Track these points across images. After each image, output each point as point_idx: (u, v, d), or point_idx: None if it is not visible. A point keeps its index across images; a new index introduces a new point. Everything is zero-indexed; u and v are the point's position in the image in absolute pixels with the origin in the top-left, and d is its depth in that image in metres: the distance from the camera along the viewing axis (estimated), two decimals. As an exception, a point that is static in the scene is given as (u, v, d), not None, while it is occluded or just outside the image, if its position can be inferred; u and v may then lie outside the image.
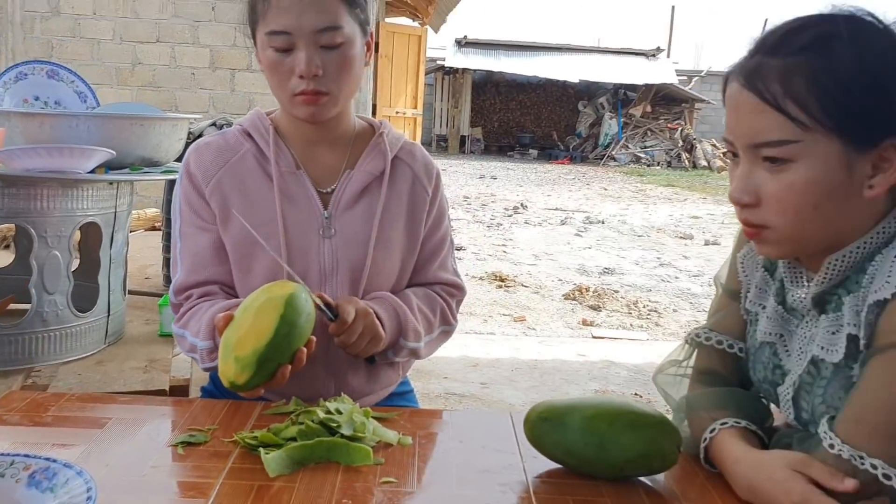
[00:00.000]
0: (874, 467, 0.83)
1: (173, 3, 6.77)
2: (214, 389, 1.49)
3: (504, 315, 4.85)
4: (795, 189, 0.87)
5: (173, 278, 1.40)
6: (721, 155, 17.57)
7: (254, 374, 1.08)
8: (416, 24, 12.42)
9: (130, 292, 2.74)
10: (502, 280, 5.73)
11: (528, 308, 5.03)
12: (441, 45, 19.13)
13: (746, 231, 0.95)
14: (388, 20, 11.48)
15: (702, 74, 20.36)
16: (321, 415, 1.10)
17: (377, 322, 1.29)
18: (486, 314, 4.84)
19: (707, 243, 7.89)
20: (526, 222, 8.74)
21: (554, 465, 1.04)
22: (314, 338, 1.16)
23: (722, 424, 1.00)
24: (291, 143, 1.41)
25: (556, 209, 9.90)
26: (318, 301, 1.22)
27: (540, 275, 6.04)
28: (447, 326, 1.49)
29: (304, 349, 1.14)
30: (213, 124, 3.26)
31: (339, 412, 1.11)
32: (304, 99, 1.30)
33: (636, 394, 3.49)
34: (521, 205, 10.01)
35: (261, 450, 1.01)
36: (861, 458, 0.84)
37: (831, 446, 0.86)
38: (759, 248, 0.96)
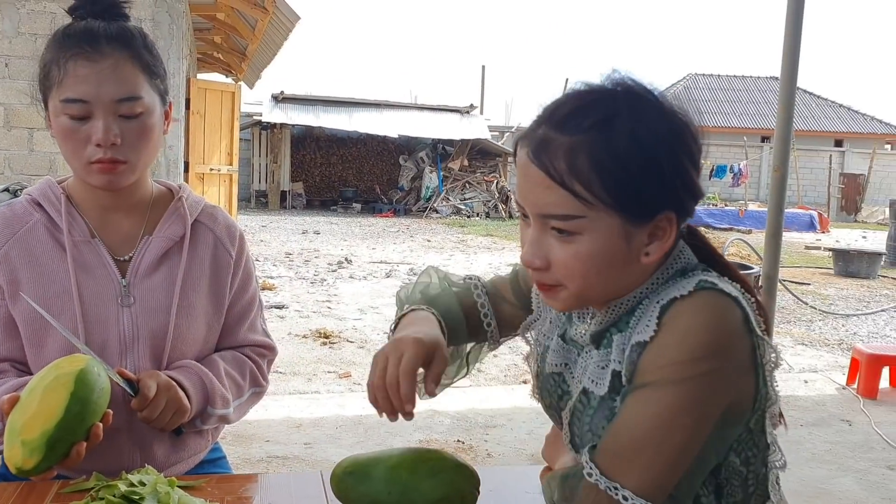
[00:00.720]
0: (625, 498, 0.89)
1: (-40, 57, 6.31)
2: (6, 472, 1.39)
3: (329, 372, 4.82)
4: (581, 258, 0.93)
5: None
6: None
7: (43, 457, 1.04)
8: (229, 79, 12.27)
9: None
10: (327, 336, 5.70)
11: (353, 363, 5.03)
12: (257, 101, 18.96)
13: (540, 288, 1.00)
14: (200, 76, 11.26)
15: (512, 130, 21.48)
16: (123, 488, 1.06)
17: (181, 394, 1.28)
18: (311, 372, 4.79)
19: (524, 289, 8.23)
20: (351, 276, 8.77)
21: (361, 519, 1.07)
22: (110, 411, 1.13)
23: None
24: (85, 211, 1.37)
25: (381, 262, 10.01)
26: (117, 377, 1.20)
27: (366, 329, 6.07)
28: (258, 388, 1.49)
29: (101, 424, 1.10)
30: (6, 189, 3.05)
31: (143, 484, 1.09)
32: (100, 167, 1.28)
33: (459, 440, 3.57)
34: (346, 259, 10.03)
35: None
36: (616, 488, 0.89)
37: (589, 475, 0.91)
38: (548, 302, 1.02)
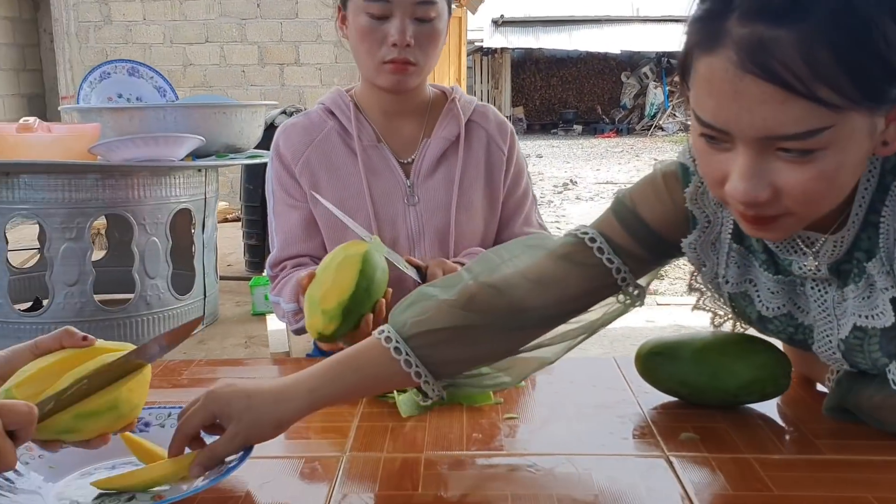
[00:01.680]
0: None
1: (220, 2, 6.90)
2: (319, 354, 1.56)
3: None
4: (826, 177, 0.75)
5: (271, 254, 1.48)
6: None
7: (340, 324, 1.15)
8: (454, 6, 12.39)
9: (220, 277, 2.85)
10: (561, 253, 5.74)
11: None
12: (478, 27, 19.05)
13: (752, 224, 0.81)
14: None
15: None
16: None
17: None
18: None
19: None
20: (577, 198, 8.72)
21: (667, 398, 1.09)
22: (391, 290, 1.22)
23: None
24: (371, 117, 1.47)
25: (608, 183, 9.85)
26: (404, 265, 1.27)
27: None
28: None
29: (384, 300, 1.20)
30: (284, 112, 3.36)
31: None
32: (392, 67, 1.35)
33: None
34: (571, 181, 9.98)
35: (394, 393, 1.08)
36: None
37: None
38: (763, 234, 0.84)
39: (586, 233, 0.97)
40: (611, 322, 1.03)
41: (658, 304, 4.37)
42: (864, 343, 0.90)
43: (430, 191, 1.44)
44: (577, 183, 9.88)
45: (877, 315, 0.86)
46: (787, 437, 0.98)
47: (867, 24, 0.70)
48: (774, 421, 1.02)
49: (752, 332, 1.07)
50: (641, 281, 1.00)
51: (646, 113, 18.16)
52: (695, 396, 1.05)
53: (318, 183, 1.43)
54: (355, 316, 1.16)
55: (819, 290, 0.92)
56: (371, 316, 1.18)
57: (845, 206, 0.85)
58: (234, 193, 5.23)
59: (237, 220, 4.61)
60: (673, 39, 17.78)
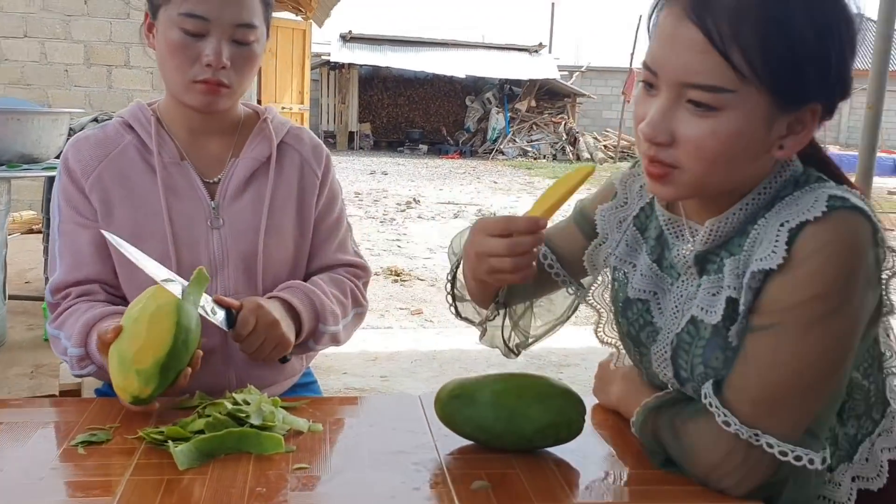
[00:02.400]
0: (770, 445, 0.85)
1: (41, -5, 6.43)
2: (110, 391, 1.43)
3: (401, 309, 4.86)
4: (718, 138, 0.84)
5: (51, 277, 1.34)
6: (603, 147, 18.16)
7: (158, 384, 1.06)
8: (299, 18, 12.23)
9: (10, 297, 2.59)
10: (398, 274, 5.74)
11: (424, 301, 5.06)
12: (325, 40, 18.91)
13: (650, 170, 0.90)
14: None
15: (582, 70, 20.98)
16: (229, 406, 1.08)
17: (284, 331, 1.25)
18: (383, 309, 4.84)
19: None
20: (419, 217, 8.79)
21: (465, 442, 1.06)
22: (203, 338, 1.14)
23: None
24: (175, 133, 1.37)
25: (449, 203, 9.99)
26: (210, 311, 1.18)
27: (436, 268, 6.09)
28: (360, 308, 1.49)
29: (199, 351, 1.12)
30: (95, 119, 3.13)
31: (247, 402, 1.10)
32: (204, 88, 1.27)
33: (533, 378, 3.57)
34: (414, 199, 10.05)
35: (169, 443, 0.99)
36: (757, 436, 0.86)
37: (726, 423, 0.87)
38: (658, 190, 0.92)
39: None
40: (572, 314, 1.25)
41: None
42: (693, 341, 0.94)
43: (237, 213, 1.36)
44: (420, 202, 9.96)
45: (713, 311, 0.92)
46: (580, 483, 0.98)
47: (790, 23, 0.81)
48: (568, 465, 1.02)
49: (548, 377, 1.07)
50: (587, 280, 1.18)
51: (488, 137, 18.64)
52: (492, 441, 1.04)
53: (112, 201, 1.32)
54: (173, 373, 1.07)
55: (680, 287, 0.98)
56: (189, 370, 1.09)
57: (736, 202, 0.92)
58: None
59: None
60: (514, 67, 18.46)
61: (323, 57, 18.63)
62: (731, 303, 0.91)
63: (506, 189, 11.96)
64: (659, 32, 0.87)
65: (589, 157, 17.59)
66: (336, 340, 1.41)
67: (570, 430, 1.03)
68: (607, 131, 19.70)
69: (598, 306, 1.15)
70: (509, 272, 0.96)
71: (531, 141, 18.07)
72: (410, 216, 8.80)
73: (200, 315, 1.13)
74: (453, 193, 11.01)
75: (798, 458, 0.85)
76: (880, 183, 14.33)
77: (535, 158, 17.40)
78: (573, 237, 1.19)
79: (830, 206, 0.85)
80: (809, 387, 0.85)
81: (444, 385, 1.09)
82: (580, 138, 18.10)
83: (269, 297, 1.30)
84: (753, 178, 0.92)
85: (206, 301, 1.17)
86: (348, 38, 18.43)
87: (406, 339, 4.10)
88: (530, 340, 1.27)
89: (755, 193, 0.92)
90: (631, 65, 17.67)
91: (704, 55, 0.82)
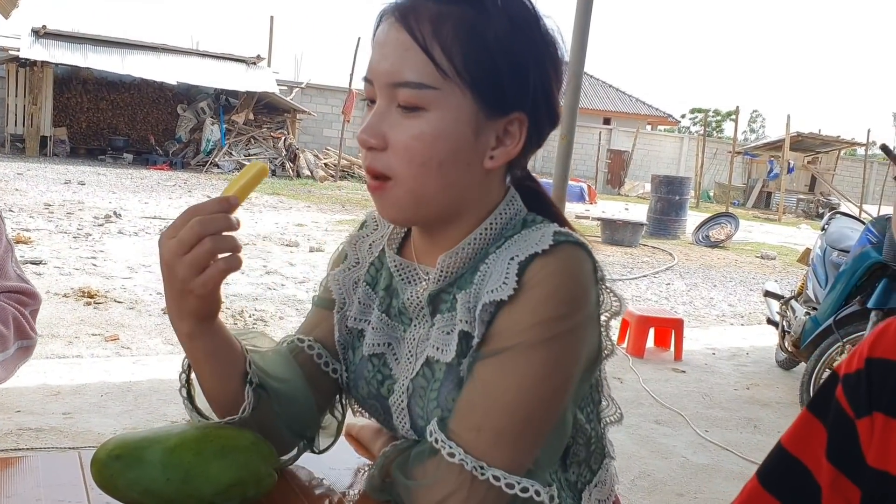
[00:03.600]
0: (496, 478, 0.80)
1: None
2: None
3: (94, 335, 4.36)
4: (424, 139, 0.85)
5: None
6: (323, 165, 18.19)
7: None
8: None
9: None
10: (91, 296, 5.17)
11: (122, 325, 4.60)
12: (15, 34, 16.94)
13: (371, 185, 0.90)
14: (-59, -3, 9.76)
15: (302, 86, 20.89)
16: None
17: None
18: (72, 335, 4.31)
19: (312, 250, 8.05)
20: (120, 232, 8.07)
21: (131, 511, 0.87)
22: None
23: None
24: None
25: (155, 217, 9.31)
26: None
27: (136, 288, 5.58)
28: (26, 341, 1.25)
29: None
30: None
31: None
32: None
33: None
34: (115, 213, 9.23)
35: None
36: (482, 468, 0.80)
37: (451, 455, 0.81)
38: (381, 208, 0.91)
39: (302, 340, 1.03)
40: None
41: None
42: (429, 384, 0.91)
43: None
44: (122, 216, 9.17)
45: (447, 349, 0.90)
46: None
47: (486, 26, 0.85)
48: (258, 527, 0.88)
49: (234, 427, 0.91)
50: None
51: (202, 148, 17.79)
52: (164, 509, 0.86)
53: None
54: None
55: (413, 331, 0.95)
56: None
57: (464, 237, 0.92)
58: None
59: None
60: (231, 78, 17.86)
61: (11, 52, 16.65)
62: (465, 337, 0.89)
63: (220, 204, 11.45)
64: (374, 43, 0.90)
65: (309, 174, 17.52)
66: None
67: (259, 487, 0.89)
68: (328, 149, 19.78)
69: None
70: (210, 253, 0.81)
71: (249, 155, 17.57)
72: (110, 231, 8.05)
73: None
74: (160, 207, 10.30)
75: (525, 490, 0.81)
76: (570, 208, 15.92)
77: (252, 173, 16.95)
78: (325, 320, 1.04)
79: (556, 241, 0.86)
80: (533, 415, 0.82)
81: (105, 443, 0.89)
82: (301, 155, 17.96)
83: None
84: (473, 199, 0.91)
85: None
86: (42, 34, 16.64)
87: (96, 370, 3.67)
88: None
89: (482, 228, 0.92)
90: (350, 85, 17.92)
91: (409, 52, 0.85)
